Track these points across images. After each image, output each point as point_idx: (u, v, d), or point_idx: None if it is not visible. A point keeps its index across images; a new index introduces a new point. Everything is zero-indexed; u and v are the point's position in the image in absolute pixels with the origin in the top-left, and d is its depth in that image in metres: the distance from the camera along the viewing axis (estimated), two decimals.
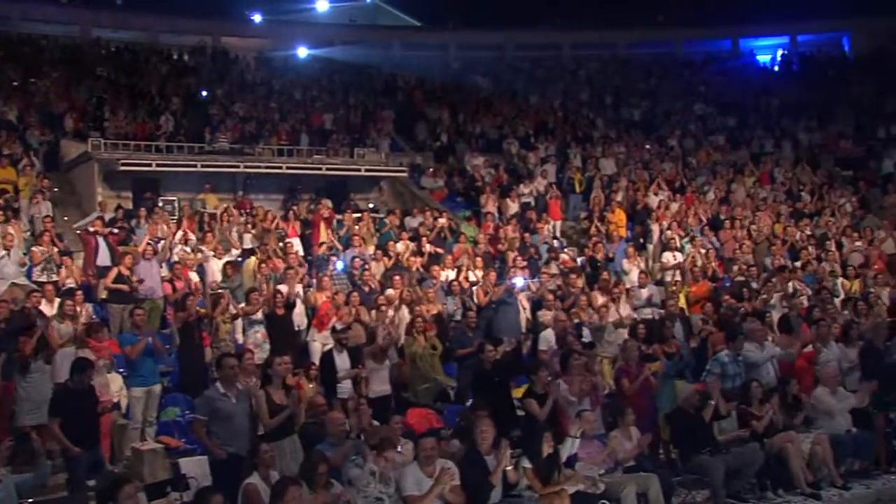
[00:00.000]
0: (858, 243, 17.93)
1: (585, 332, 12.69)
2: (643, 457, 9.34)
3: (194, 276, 14.28)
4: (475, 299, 13.60)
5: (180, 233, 15.77)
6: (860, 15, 39.59)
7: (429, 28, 43.48)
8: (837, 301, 14.40)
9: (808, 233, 18.63)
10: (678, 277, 15.73)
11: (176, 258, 14.61)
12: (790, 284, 14.56)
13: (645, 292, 14.74)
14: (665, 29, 42.03)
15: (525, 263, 15.23)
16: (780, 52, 41.92)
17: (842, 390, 10.62)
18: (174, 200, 19.02)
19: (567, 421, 9.43)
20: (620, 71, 37.03)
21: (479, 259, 15.42)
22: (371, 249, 16.23)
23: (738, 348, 10.82)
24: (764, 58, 42.20)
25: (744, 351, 10.81)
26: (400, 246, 16.22)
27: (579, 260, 16.95)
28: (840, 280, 15.83)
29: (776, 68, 40.60)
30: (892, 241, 18.36)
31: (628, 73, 36.50)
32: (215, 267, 14.60)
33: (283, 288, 12.79)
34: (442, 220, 17.64)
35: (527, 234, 17.50)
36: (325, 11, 43.32)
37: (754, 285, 14.93)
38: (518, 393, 10.77)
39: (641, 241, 18.72)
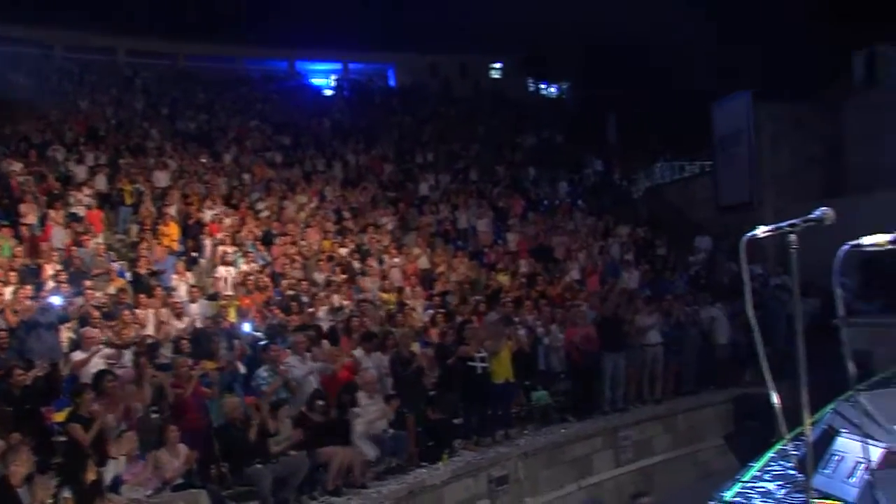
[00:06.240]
0: (397, 259, 19.48)
1: None
2: (192, 473, 9.32)
3: None
4: (5, 319, 12.50)
5: None
6: (402, 51, 43.63)
7: None
8: (379, 313, 15.53)
9: (353, 249, 19.82)
10: (230, 291, 15.88)
11: None
12: (336, 298, 15.45)
13: (196, 307, 14.68)
14: (225, 45, 42.28)
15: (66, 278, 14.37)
16: (333, 78, 44.35)
17: (378, 396, 11.53)
18: None
19: (109, 445, 9.11)
20: (178, 82, 36.50)
21: (13, 274, 14.22)
22: None
23: (276, 362, 11.25)
24: (319, 81, 44.38)
25: (286, 364, 11.27)
26: None
27: (128, 274, 16.36)
28: (380, 293, 17.09)
29: (330, 92, 42.85)
30: (426, 257, 20.27)
31: (186, 86, 36.08)
32: None
33: None
34: None
35: (74, 248, 16.46)
36: None
37: (304, 299, 15.59)
38: (60, 417, 10.16)
39: (195, 255, 18.57)
